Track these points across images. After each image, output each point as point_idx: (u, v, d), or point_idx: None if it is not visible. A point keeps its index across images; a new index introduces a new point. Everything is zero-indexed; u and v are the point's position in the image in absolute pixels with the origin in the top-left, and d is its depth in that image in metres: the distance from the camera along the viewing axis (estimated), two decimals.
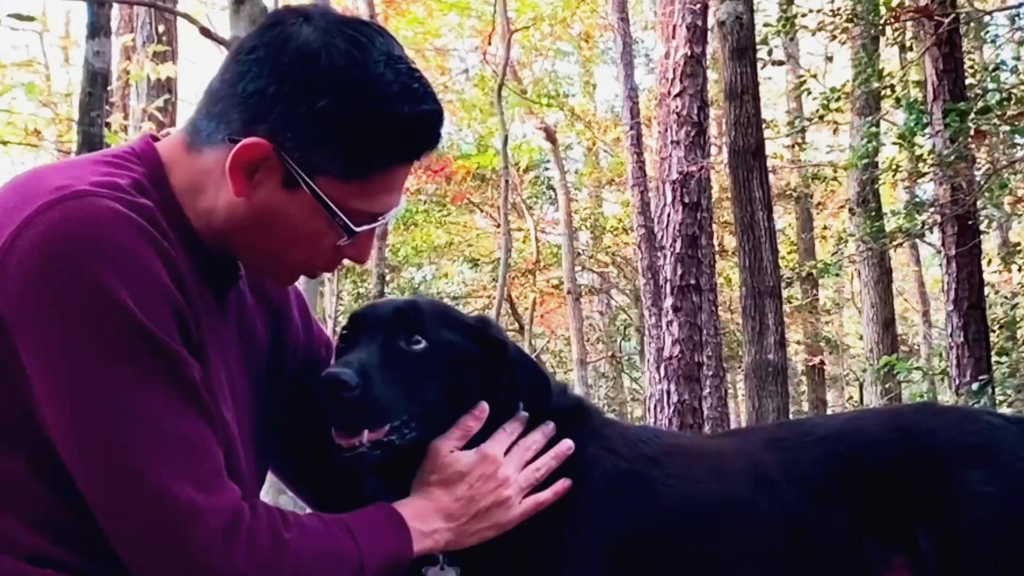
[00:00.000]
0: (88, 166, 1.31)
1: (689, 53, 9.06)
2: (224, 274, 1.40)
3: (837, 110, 8.53)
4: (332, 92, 1.27)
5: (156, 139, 1.39)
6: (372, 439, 1.40)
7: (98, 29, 4.73)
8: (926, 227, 8.30)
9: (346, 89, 1.27)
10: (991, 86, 7.43)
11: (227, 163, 1.28)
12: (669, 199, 9.04)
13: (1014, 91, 7.07)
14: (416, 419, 1.44)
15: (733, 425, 12.65)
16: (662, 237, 9.17)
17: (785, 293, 11.77)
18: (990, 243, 11.79)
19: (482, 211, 18.30)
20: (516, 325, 16.69)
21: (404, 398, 1.43)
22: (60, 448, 1.20)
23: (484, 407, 1.49)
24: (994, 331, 8.10)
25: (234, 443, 1.33)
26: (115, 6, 6.61)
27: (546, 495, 1.48)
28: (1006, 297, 10.65)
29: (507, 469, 1.46)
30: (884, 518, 1.52)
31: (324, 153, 1.28)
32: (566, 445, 1.50)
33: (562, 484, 1.48)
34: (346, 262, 1.43)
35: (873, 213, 9.95)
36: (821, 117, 8.38)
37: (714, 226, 11.41)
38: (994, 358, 7.56)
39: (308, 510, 1.58)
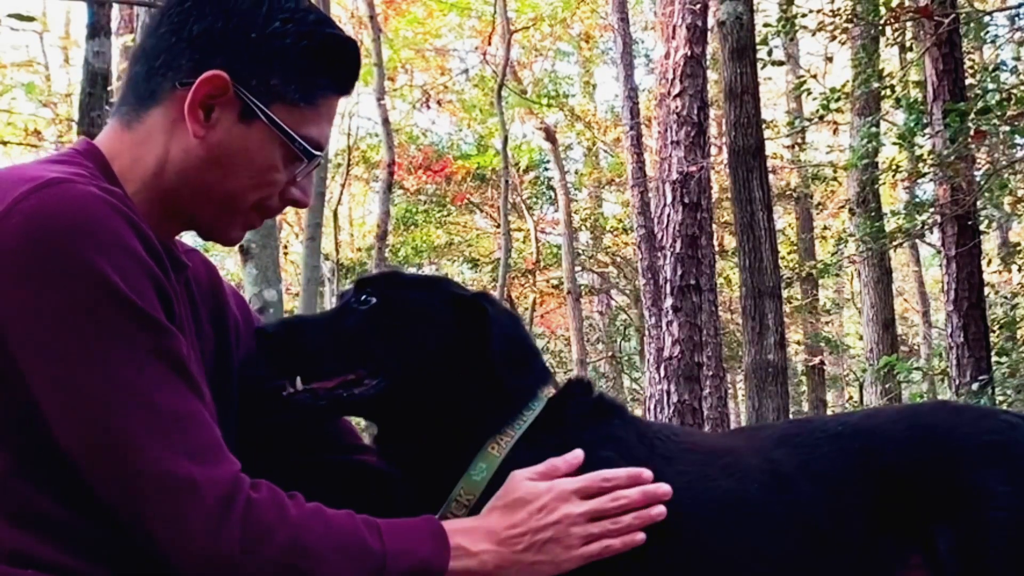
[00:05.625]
0: (45, 164, 1.33)
1: (689, 53, 9.07)
2: (174, 261, 1.41)
3: (837, 110, 8.53)
4: (277, 18, 1.36)
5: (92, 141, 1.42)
6: (316, 388, 1.47)
7: (98, 29, 4.74)
8: (926, 227, 8.30)
9: (288, 15, 1.37)
10: (991, 86, 7.42)
11: (186, 103, 1.32)
12: (669, 199, 9.05)
13: (1014, 91, 7.06)
14: (374, 375, 1.47)
15: (733, 425, 12.65)
16: (662, 237, 9.17)
17: (785, 293, 11.77)
18: (990, 243, 11.79)
19: (482, 211, 18.32)
20: None
21: (344, 350, 1.48)
22: (56, 429, 1.21)
23: (578, 454, 1.47)
24: (994, 331, 8.08)
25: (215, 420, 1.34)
26: (115, 6, 6.61)
27: (616, 543, 1.42)
28: (1006, 297, 10.65)
29: (574, 507, 1.42)
30: (901, 517, 1.50)
31: (280, 76, 1.36)
32: (657, 511, 1.45)
33: (633, 537, 1.43)
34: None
35: (873, 213, 9.95)
36: (821, 117, 8.37)
37: (714, 226, 11.41)
38: (994, 358, 7.54)
39: None
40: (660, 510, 1.45)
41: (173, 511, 1.20)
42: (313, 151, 1.39)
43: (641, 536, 1.43)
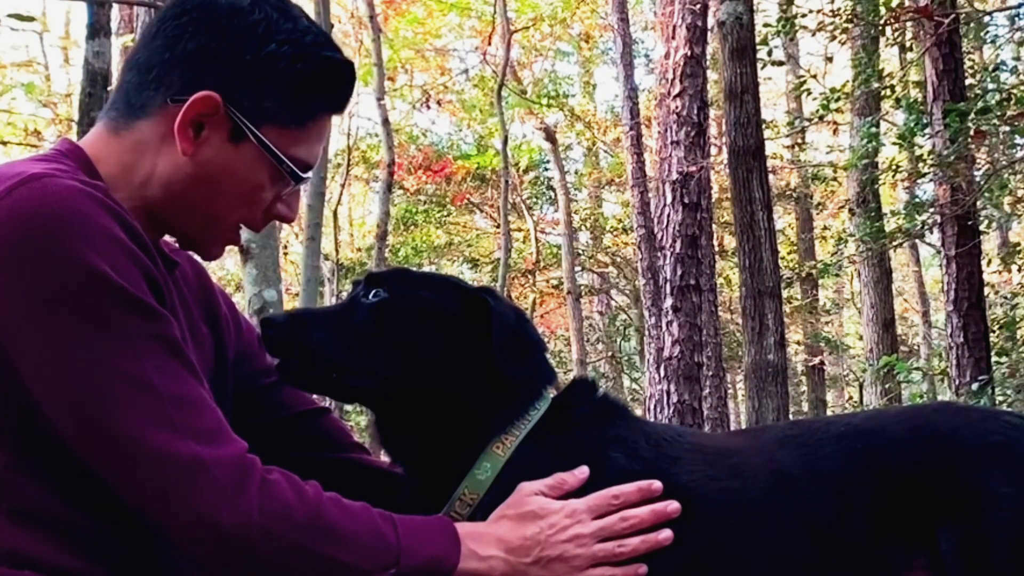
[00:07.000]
0: (27, 162, 1.32)
1: (689, 53, 9.08)
2: (165, 258, 1.40)
3: (837, 110, 8.52)
4: (273, 40, 1.35)
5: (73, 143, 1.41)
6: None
7: (98, 29, 4.74)
8: (926, 227, 8.30)
9: (284, 36, 1.36)
10: (991, 86, 7.43)
11: (176, 121, 1.31)
12: (669, 199, 9.05)
13: (1014, 91, 7.06)
14: (371, 367, 1.48)
15: (733, 425, 12.65)
16: (662, 237, 9.18)
17: (785, 293, 11.78)
18: (990, 243, 11.80)
19: (482, 211, 18.31)
20: None
21: (352, 344, 1.48)
22: (56, 422, 1.20)
23: (584, 470, 1.46)
24: (994, 331, 8.08)
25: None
26: (115, 6, 6.61)
27: (618, 573, 1.42)
28: (1006, 297, 10.66)
29: (584, 528, 1.42)
30: (905, 518, 1.49)
31: (272, 99, 1.35)
32: (664, 535, 1.44)
33: (636, 568, 1.43)
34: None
35: (873, 213, 9.94)
36: (821, 117, 8.37)
37: (714, 226, 11.42)
38: (994, 358, 7.54)
39: None
40: (667, 534, 1.44)
41: (183, 494, 1.20)
42: (301, 174, 1.39)
43: (644, 569, 1.43)
